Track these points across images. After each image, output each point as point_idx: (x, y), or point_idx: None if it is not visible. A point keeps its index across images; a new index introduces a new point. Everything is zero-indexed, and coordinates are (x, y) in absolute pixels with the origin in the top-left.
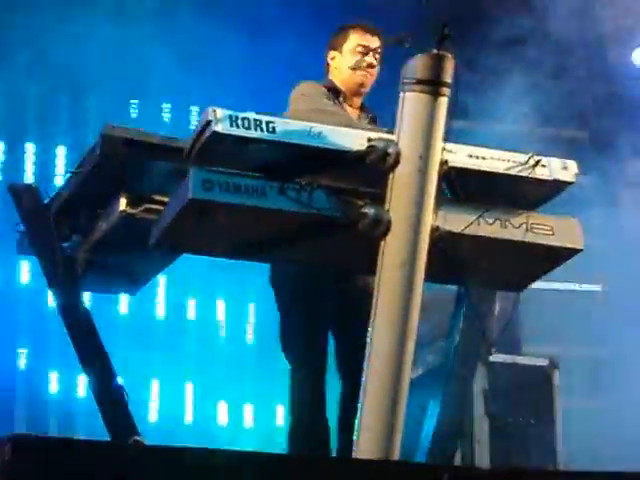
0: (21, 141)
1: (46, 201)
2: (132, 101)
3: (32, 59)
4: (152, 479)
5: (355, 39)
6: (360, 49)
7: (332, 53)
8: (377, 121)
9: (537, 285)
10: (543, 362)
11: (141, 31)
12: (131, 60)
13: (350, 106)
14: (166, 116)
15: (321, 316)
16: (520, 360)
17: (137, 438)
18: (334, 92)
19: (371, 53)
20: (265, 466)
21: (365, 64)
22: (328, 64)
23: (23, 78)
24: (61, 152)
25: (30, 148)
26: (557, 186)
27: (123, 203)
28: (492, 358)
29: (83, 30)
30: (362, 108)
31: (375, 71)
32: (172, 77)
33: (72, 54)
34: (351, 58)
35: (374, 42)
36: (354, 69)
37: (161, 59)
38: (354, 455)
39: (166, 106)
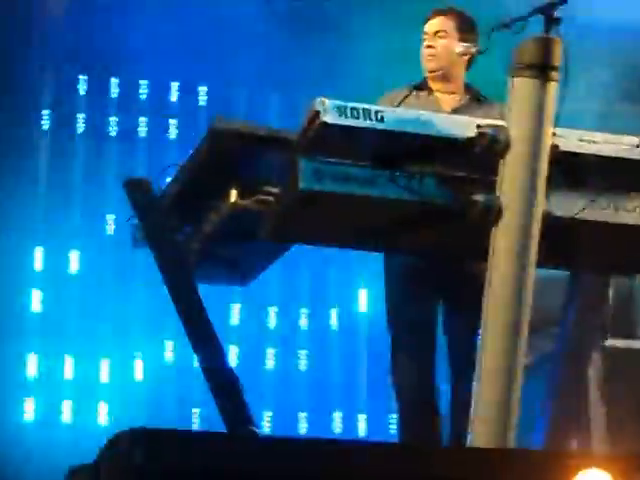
0: None
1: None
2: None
3: None
4: (267, 471)
5: (423, 28)
6: (423, 36)
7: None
8: (485, 99)
9: None
10: None
11: None
12: None
13: (442, 92)
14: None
15: (427, 303)
16: (636, 345)
17: (252, 428)
18: (417, 88)
19: (429, 36)
20: (378, 455)
21: (423, 49)
22: None
23: None
24: None
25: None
26: None
27: (233, 195)
28: (607, 343)
29: None
30: (467, 89)
31: (435, 52)
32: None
33: None
34: (421, 49)
35: (432, 25)
36: (422, 58)
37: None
38: (469, 444)
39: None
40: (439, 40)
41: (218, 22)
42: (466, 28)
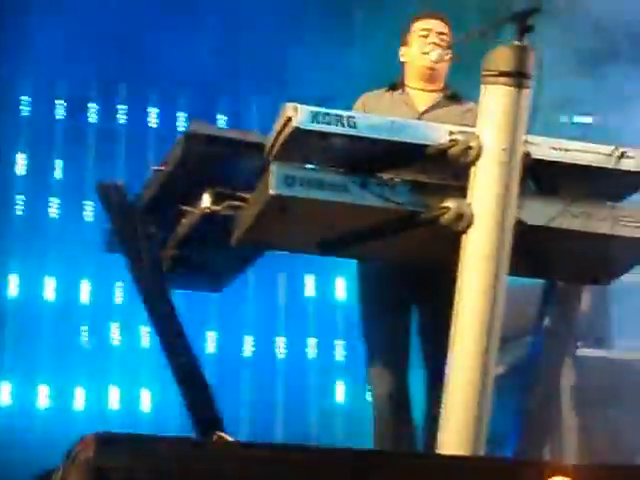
0: None
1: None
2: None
3: None
4: (233, 477)
5: (417, 26)
6: (422, 33)
7: (402, 50)
8: (461, 99)
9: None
10: (633, 355)
11: None
12: None
13: (423, 90)
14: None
15: (398, 308)
16: (609, 354)
17: (220, 434)
18: (392, 87)
19: (433, 34)
20: (349, 461)
21: (428, 45)
22: (402, 63)
23: None
24: None
25: None
26: None
27: (206, 200)
28: (579, 352)
29: None
30: (444, 90)
31: (442, 53)
32: None
33: None
34: (416, 45)
35: (436, 25)
36: (420, 54)
37: None
38: (438, 450)
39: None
40: (443, 41)
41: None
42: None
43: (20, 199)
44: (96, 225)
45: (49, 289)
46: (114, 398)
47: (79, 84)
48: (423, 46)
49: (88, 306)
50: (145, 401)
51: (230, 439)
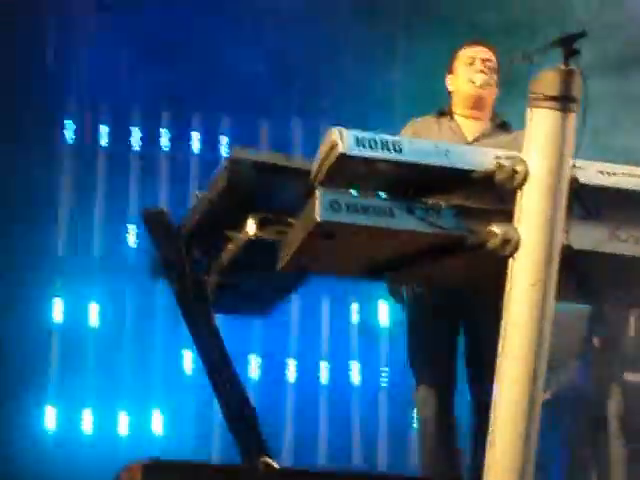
0: None
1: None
2: None
3: None
4: None
5: (462, 54)
6: (468, 60)
7: (448, 78)
8: (510, 128)
9: None
10: None
11: None
12: None
13: (471, 118)
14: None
15: (446, 336)
16: None
17: (266, 460)
18: (440, 114)
19: (478, 61)
20: None
21: (473, 72)
22: (449, 92)
23: None
24: None
25: None
26: None
27: (252, 225)
28: (627, 377)
29: None
30: (492, 119)
31: (487, 78)
32: None
33: None
34: (462, 73)
35: (480, 52)
36: (466, 81)
37: None
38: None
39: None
40: (488, 68)
41: None
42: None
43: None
44: (140, 252)
45: (93, 315)
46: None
47: (122, 109)
48: (468, 73)
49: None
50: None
51: (275, 465)
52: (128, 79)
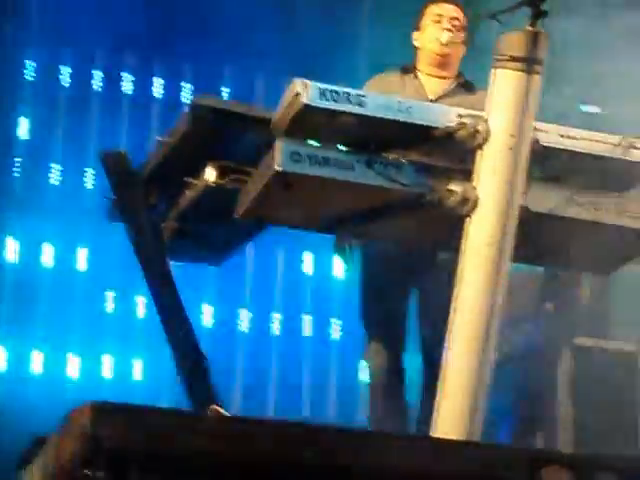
0: None
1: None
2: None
3: None
4: (229, 451)
5: (430, 11)
6: (435, 18)
7: (415, 35)
8: (474, 89)
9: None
10: (631, 347)
11: None
12: None
13: (435, 76)
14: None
15: (398, 290)
16: (607, 344)
17: (216, 407)
18: (404, 71)
19: (446, 20)
20: (339, 440)
21: (440, 30)
22: (415, 48)
23: None
24: None
25: None
26: None
27: (210, 173)
28: (578, 341)
29: None
30: (457, 77)
31: (454, 36)
32: None
33: None
34: (428, 30)
35: (449, 10)
36: (432, 39)
37: None
38: (432, 433)
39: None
40: (455, 27)
41: None
42: (465, 20)
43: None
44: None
45: (47, 256)
46: (107, 367)
47: (85, 51)
48: (435, 31)
49: (85, 273)
50: (137, 370)
51: (225, 413)
52: (92, 21)
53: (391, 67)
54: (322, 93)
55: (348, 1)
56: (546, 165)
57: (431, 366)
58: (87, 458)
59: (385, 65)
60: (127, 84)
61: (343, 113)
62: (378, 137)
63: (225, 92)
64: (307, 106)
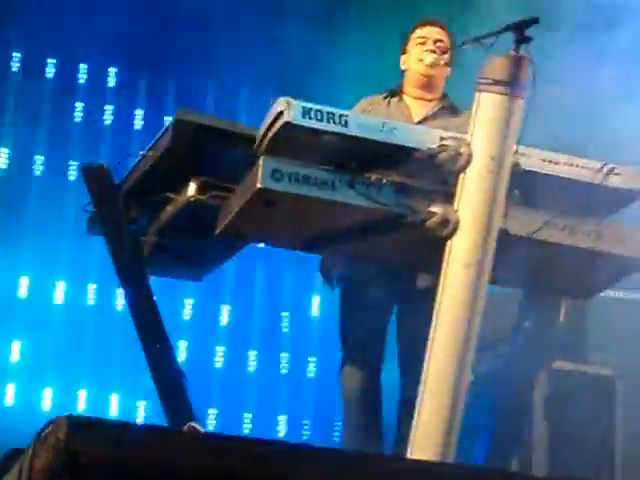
0: None
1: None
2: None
3: None
4: (204, 468)
5: (415, 34)
6: (420, 40)
7: (402, 58)
8: (459, 111)
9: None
10: (608, 371)
11: None
12: None
13: (419, 99)
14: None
15: (378, 310)
16: (584, 368)
17: (193, 424)
18: (391, 94)
19: (430, 42)
20: (317, 460)
21: (424, 52)
22: (402, 72)
23: None
24: None
25: None
26: (631, 195)
27: (192, 188)
28: (555, 365)
29: None
30: (441, 100)
31: (437, 58)
32: None
33: None
34: (414, 52)
35: (433, 32)
36: (416, 61)
37: None
38: (409, 454)
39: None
40: (440, 49)
41: None
42: (451, 42)
43: None
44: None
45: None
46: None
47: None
48: (419, 53)
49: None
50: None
51: (201, 430)
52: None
53: (377, 91)
54: (306, 112)
55: (333, 17)
56: (527, 189)
57: (408, 387)
58: (61, 472)
59: (369, 82)
60: (108, 112)
61: (326, 132)
62: (360, 157)
63: (208, 107)
64: (290, 124)
